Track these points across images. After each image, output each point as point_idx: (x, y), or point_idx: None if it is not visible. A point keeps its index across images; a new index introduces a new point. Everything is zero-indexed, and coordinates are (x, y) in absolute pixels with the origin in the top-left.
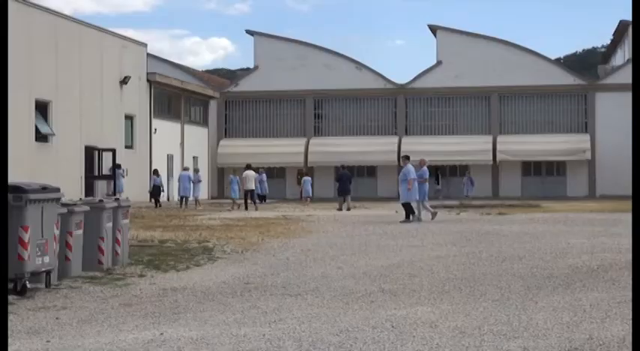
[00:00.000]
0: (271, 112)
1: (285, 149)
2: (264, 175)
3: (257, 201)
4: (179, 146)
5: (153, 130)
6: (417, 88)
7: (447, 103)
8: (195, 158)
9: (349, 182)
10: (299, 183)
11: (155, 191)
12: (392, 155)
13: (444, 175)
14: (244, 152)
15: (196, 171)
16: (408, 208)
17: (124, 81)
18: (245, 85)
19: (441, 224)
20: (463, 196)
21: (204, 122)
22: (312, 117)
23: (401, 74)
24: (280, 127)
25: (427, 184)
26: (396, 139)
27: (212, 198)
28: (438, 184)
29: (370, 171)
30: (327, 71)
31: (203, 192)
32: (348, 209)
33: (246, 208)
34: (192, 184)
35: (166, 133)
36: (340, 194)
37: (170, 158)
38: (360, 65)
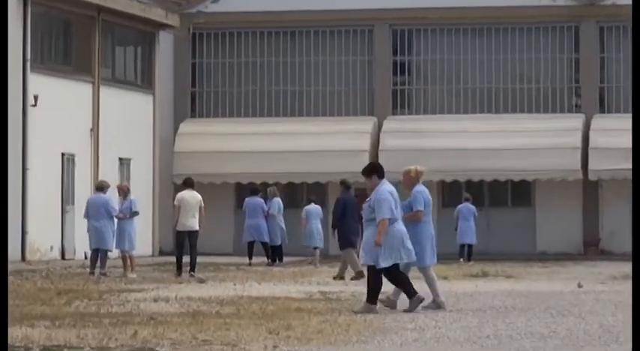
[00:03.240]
0: (291, 64)
1: (326, 143)
2: (275, 204)
3: (270, 260)
4: (88, 136)
5: (30, 100)
6: None
7: None
8: (124, 163)
9: (354, 219)
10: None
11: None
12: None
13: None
14: (232, 150)
15: (122, 192)
16: (399, 281)
17: None
18: (234, 2)
19: None
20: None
21: (145, 83)
22: (389, 72)
23: None
24: (313, 97)
25: (430, 221)
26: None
27: (163, 253)
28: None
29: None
30: None
31: (143, 240)
32: (346, 277)
33: (179, 272)
34: (114, 222)
35: (60, 105)
36: (343, 245)
37: (68, 162)
38: None
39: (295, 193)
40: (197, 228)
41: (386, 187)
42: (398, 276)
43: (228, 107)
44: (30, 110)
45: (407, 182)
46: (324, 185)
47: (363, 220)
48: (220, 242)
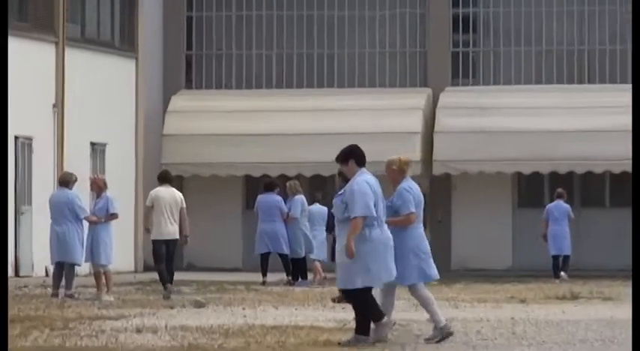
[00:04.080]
0: (319, 20)
1: (365, 123)
2: (297, 203)
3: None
4: (50, 113)
5: None
6: None
7: None
8: (97, 148)
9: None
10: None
11: None
12: None
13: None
14: (240, 132)
15: (96, 187)
16: (364, 307)
17: None
18: None
19: None
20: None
21: (125, 44)
22: (448, 29)
23: None
24: (347, 63)
25: (420, 227)
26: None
27: (148, 268)
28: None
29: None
30: None
31: (123, 251)
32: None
33: (166, 290)
34: (83, 227)
35: (13, 72)
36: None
37: (24, 148)
38: None
39: (324, 189)
40: (177, 236)
41: (365, 178)
42: (365, 299)
43: (234, 76)
44: None
45: (391, 176)
46: None
47: (335, 221)
48: (225, 254)
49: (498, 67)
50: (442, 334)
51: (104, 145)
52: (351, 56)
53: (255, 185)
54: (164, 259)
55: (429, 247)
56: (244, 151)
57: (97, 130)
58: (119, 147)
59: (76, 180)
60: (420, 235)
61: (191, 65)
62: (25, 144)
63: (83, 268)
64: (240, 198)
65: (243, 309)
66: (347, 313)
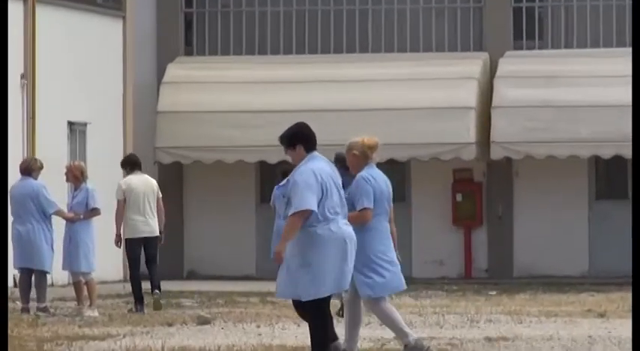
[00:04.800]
0: None
1: (407, 97)
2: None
3: None
4: (18, 86)
5: None
6: None
7: None
8: (76, 129)
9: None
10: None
11: None
12: None
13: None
14: (253, 109)
15: (73, 177)
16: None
17: None
18: None
19: None
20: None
21: (111, 0)
22: None
23: None
24: (384, 23)
25: (382, 223)
26: None
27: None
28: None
29: None
30: None
31: (108, 257)
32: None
33: (139, 305)
34: (51, 226)
35: None
36: None
37: None
38: None
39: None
40: (157, 232)
41: (313, 165)
42: (323, 313)
43: (245, 39)
44: None
45: (351, 163)
46: (404, 165)
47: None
48: (235, 259)
49: (571, 27)
50: (416, 347)
51: (84, 124)
52: (388, 13)
53: (272, 173)
54: (139, 264)
55: (393, 252)
56: (257, 131)
57: (76, 107)
58: (103, 127)
59: (41, 167)
60: (381, 237)
61: (191, 26)
62: None
63: (61, 277)
64: (253, 189)
65: (258, 326)
66: (385, 331)
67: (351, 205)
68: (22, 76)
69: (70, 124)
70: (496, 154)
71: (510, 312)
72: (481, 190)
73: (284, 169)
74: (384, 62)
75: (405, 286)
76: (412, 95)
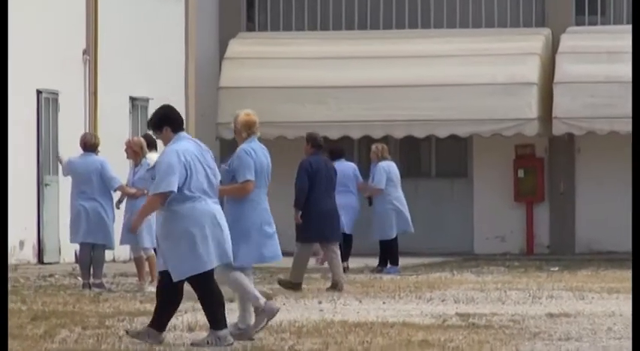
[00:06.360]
0: None
1: (467, 72)
2: (380, 171)
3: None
4: (80, 62)
5: None
6: None
7: None
8: (138, 105)
9: (328, 194)
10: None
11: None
12: None
13: None
14: (314, 84)
15: (133, 152)
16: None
17: None
18: None
19: None
20: None
21: None
22: None
23: None
24: (450, 1)
25: (261, 199)
26: None
27: None
28: None
29: None
30: None
31: None
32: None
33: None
34: (112, 203)
35: (33, 14)
36: (305, 236)
37: (48, 104)
38: None
39: (418, 154)
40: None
41: (178, 146)
42: (209, 288)
43: (307, 14)
44: None
45: (237, 136)
46: (466, 141)
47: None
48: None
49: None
50: (268, 315)
51: (146, 100)
52: None
53: (333, 148)
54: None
55: (271, 225)
56: (318, 107)
57: (138, 83)
58: (165, 102)
59: (97, 144)
60: (260, 209)
61: (253, 1)
62: (50, 100)
63: (123, 253)
64: None
65: (320, 302)
66: (447, 307)
67: (233, 177)
68: (85, 52)
69: (132, 99)
70: (558, 129)
71: (572, 288)
72: (543, 166)
73: (331, 148)
74: (445, 38)
75: (279, 258)
76: (474, 71)
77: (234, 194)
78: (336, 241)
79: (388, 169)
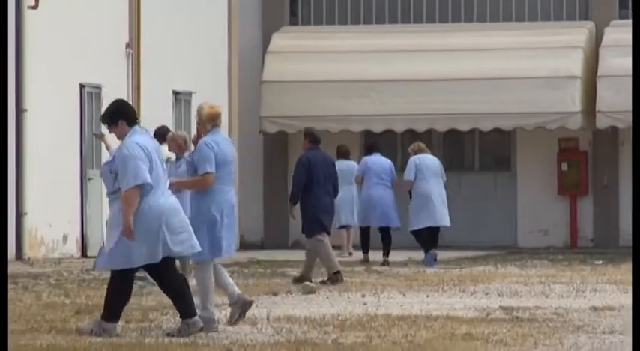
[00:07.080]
0: None
1: (509, 65)
2: (412, 162)
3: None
4: (124, 56)
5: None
6: None
7: None
8: (181, 98)
9: (326, 189)
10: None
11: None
12: None
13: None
14: (358, 78)
15: (176, 146)
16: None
17: None
18: None
19: None
20: None
21: None
22: None
23: None
24: None
25: (227, 190)
26: None
27: (246, 246)
28: None
29: None
30: None
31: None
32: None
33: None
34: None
35: (75, 8)
36: (308, 231)
37: (91, 98)
38: None
39: (462, 147)
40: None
41: (137, 139)
42: (171, 277)
43: (350, 8)
44: (28, 15)
45: (201, 128)
46: (510, 134)
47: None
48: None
49: None
50: (241, 307)
51: (189, 94)
52: None
53: (376, 142)
54: None
55: (232, 217)
56: (362, 101)
57: (181, 76)
58: (208, 96)
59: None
60: (220, 201)
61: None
62: (93, 94)
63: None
64: (357, 159)
65: (363, 296)
66: (490, 300)
67: (194, 170)
68: (127, 46)
69: (175, 93)
70: (602, 123)
71: (616, 281)
72: (587, 160)
73: (367, 144)
74: (489, 31)
75: (232, 254)
76: (518, 65)
77: (195, 187)
78: (329, 234)
79: (418, 161)
